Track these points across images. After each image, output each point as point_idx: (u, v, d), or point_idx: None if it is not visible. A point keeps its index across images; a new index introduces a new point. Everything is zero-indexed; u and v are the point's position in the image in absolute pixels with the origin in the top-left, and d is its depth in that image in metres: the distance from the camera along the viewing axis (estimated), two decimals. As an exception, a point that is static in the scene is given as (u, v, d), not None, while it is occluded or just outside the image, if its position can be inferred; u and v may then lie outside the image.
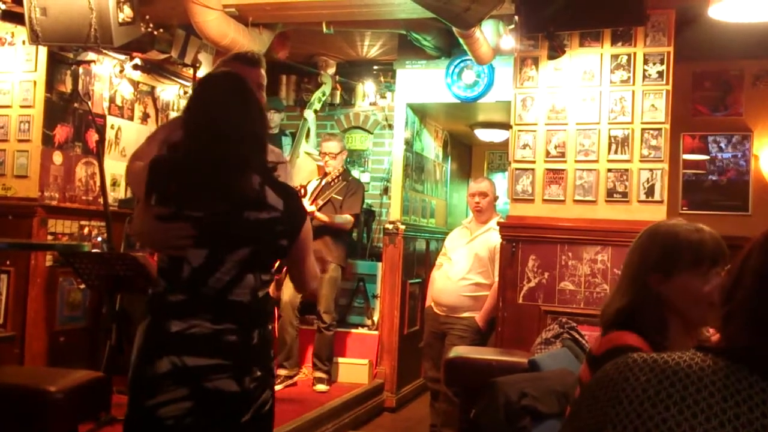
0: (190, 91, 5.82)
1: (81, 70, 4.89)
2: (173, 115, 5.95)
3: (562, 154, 4.18)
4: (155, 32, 4.64)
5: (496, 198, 4.71)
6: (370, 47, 6.12)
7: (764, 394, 1.01)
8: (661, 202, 4.01)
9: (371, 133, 6.94)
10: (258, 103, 2.13)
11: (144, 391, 2.00)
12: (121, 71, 5.29)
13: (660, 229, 1.91)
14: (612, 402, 1.09)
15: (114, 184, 5.34)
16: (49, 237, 4.65)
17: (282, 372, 5.16)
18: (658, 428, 1.03)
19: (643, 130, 4.06)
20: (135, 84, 5.51)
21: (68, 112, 4.85)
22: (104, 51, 4.85)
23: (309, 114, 6.25)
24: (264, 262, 2.10)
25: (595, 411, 1.12)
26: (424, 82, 5.82)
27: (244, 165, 2.02)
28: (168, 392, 1.96)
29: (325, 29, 4.74)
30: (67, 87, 4.83)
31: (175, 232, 2.00)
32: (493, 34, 4.75)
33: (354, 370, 5.61)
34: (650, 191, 4.02)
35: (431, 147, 6.83)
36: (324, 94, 6.37)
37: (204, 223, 2.00)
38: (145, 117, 5.66)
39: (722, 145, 4.75)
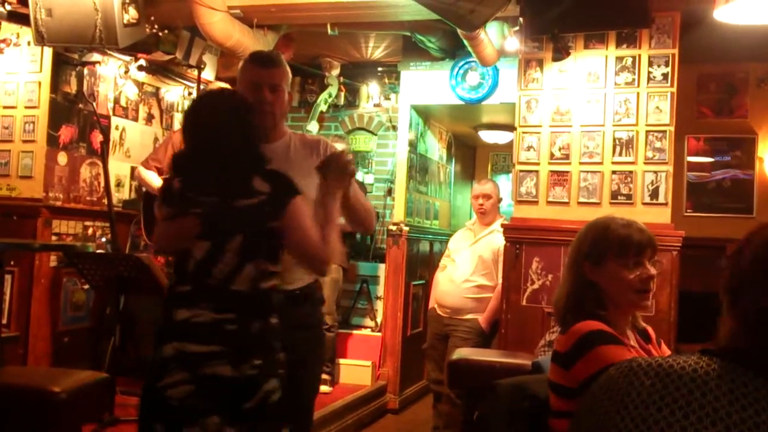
0: (194, 93, 5.84)
1: (86, 71, 4.90)
2: (178, 116, 5.96)
3: (567, 156, 4.18)
4: (160, 33, 4.65)
5: (499, 200, 4.71)
6: (375, 49, 6.12)
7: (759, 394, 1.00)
8: (666, 204, 4.00)
9: (375, 135, 6.94)
10: (242, 110, 2.27)
11: (154, 373, 2.15)
12: (126, 72, 5.30)
13: (594, 222, 2.12)
14: (617, 407, 1.08)
15: (118, 184, 5.35)
16: (54, 237, 4.66)
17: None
18: None
19: (647, 132, 4.05)
20: (140, 85, 5.52)
21: (73, 113, 4.86)
22: (109, 52, 4.86)
23: (313, 125, 6.27)
24: (260, 249, 2.19)
25: (599, 416, 1.11)
26: (428, 83, 5.82)
27: (231, 161, 2.21)
28: (172, 375, 2.11)
29: (329, 31, 4.74)
30: (72, 88, 4.84)
31: (178, 229, 2.22)
32: (498, 36, 4.74)
33: (357, 372, 5.61)
34: (655, 193, 4.01)
35: (435, 148, 6.83)
36: (330, 96, 6.37)
37: (203, 217, 2.18)
38: (149, 118, 5.67)
39: (727, 147, 4.74)
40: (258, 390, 2.14)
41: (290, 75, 2.62)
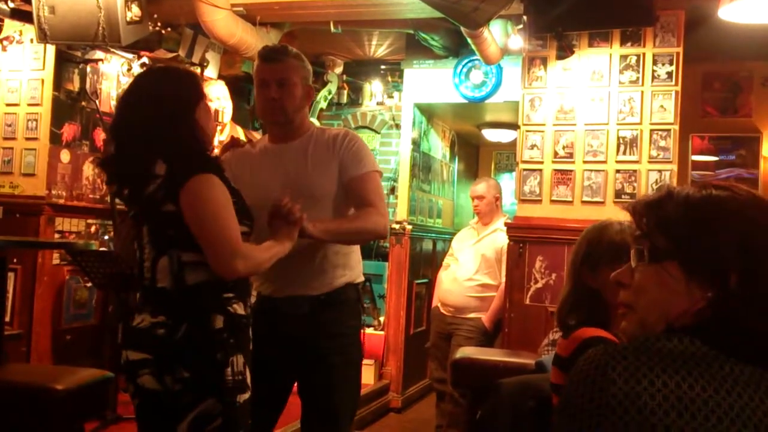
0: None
1: (89, 68, 4.89)
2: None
3: (570, 155, 4.17)
4: (163, 31, 4.64)
5: (496, 198, 4.67)
6: (378, 47, 6.11)
7: (723, 372, 0.98)
8: (670, 203, 3.98)
9: (378, 133, 6.93)
10: (175, 84, 2.05)
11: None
12: (129, 70, 5.30)
13: (591, 227, 2.11)
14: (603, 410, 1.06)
15: (121, 182, 5.34)
16: (56, 235, 4.66)
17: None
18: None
19: (651, 131, 4.03)
20: (142, 83, 5.51)
21: (76, 111, 4.86)
22: (112, 50, 4.86)
23: (314, 121, 6.26)
24: (167, 238, 1.97)
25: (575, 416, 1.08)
26: (431, 81, 5.80)
27: (141, 144, 1.97)
28: (128, 387, 2.02)
29: (332, 28, 4.73)
30: (75, 85, 4.84)
31: (123, 231, 2.19)
32: (502, 34, 4.73)
33: (360, 370, 5.60)
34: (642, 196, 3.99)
35: (438, 147, 6.81)
36: (330, 93, 6.36)
37: (131, 217, 2.08)
38: (152, 116, 5.66)
39: (731, 146, 4.73)
40: (187, 411, 1.89)
41: (306, 68, 2.49)
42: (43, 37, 4.04)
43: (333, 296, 2.40)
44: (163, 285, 1.96)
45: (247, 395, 1.99)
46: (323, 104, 6.36)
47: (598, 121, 4.12)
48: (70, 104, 4.80)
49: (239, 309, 2.01)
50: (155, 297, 1.98)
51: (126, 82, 5.32)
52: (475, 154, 8.25)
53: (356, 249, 2.54)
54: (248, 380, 2.01)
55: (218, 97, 4.59)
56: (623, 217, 2.15)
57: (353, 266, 2.49)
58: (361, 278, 2.53)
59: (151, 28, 4.35)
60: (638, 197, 1.07)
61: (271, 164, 2.46)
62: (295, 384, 2.53)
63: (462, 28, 4.26)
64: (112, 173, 2.07)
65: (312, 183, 2.39)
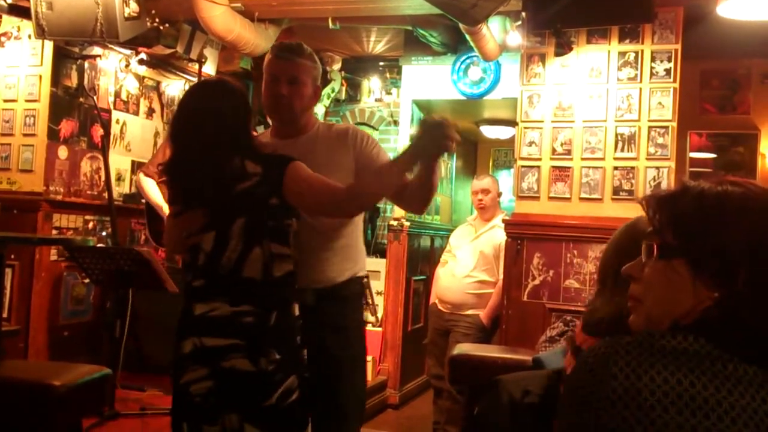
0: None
1: (86, 64, 4.89)
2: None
3: (569, 152, 4.17)
4: (161, 27, 4.64)
5: (499, 194, 4.69)
6: (376, 43, 6.10)
7: (726, 371, 0.98)
8: (668, 200, 3.98)
9: (376, 129, 6.93)
10: (233, 96, 2.26)
11: (176, 370, 2.16)
12: (127, 66, 5.29)
13: (637, 223, 1.99)
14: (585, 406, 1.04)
15: (119, 178, 5.34)
16: (54, 231, 4.66)
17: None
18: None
19: (650, 127, 4.03)
20: (140, 79, 5.51)
21: (73, 107, 4.85)
22: (110, 46, 4.85)
23: (319, 108, 6.25)
24: (264, 230, 2.15)
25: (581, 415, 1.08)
26: (430, 78, 5.80)
27: (222, 149, 2.18)
28: (192, 371, 2.12)
29: (330, 25, 4.73)
30: (73, 81, 4.83)
31: (185, 225, 2.23)
32: (500, 31, 4.73)
33: (358, 367, 5.60)
34: (657, 189, 4.00)
35: (436, 144, 6.80)
36: (333, 90, 6.36)
37: (205, 208, 2.19)
38: (150, 112, 5.66)
39: (729, 143, 4.73)
40: (277, 387, 2.09)
41: (318, 69, 2.50)
42: (41, 33, 4.04)
43: (338, 289, 2.41)
44: (251, 275, 2.13)
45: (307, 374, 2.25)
46: (326, 102, 6.36)
47: (597, 118, 4.12)
48: (67, 100, 4.80)
49: (295, 310, 2.23)
50: (238, 287, 2.14)
51: (123, 77, 5.32)
52: (473, 151, 8.25)
53: (360, 242, 2.53)
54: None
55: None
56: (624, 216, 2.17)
57: (357, 259, 2.49)
58: (365, 272, 2.52)
59: (148, 24, 4.34)
60: (653, 191, 1.06)
61: None
62: None
63: (460, 25, 4.26)
64: (184, 175, 2.24)
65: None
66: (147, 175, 4.61)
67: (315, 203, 2.21)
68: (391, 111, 6.78)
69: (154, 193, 4.48)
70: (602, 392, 0.97)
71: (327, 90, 6.31)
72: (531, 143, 4.24)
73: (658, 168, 4.00)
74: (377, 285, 6.00)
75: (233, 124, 2.21)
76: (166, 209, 4.39)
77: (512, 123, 5.12)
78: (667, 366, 0.98)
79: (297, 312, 2.19)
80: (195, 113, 2.24)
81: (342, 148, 2.44)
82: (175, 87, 5.91)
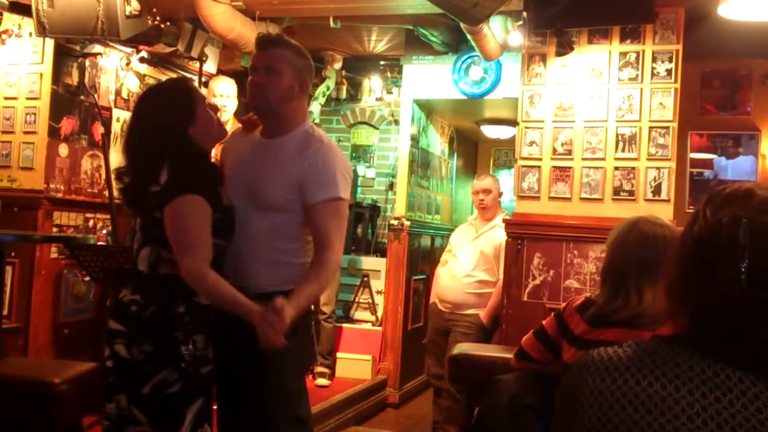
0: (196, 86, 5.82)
1: (87, 62, 4.88)
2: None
3: (569, 152, 4.17)
4: (162, 25, 4.64)
5: (500, 194, 4.69)
6: (377, 42, 6.11)
7: (717, 378, 1.00)
8: (668, 200, 3.99)
9: (377, 129, 6.93)
10: (168, 99, 2.36)
11: None
12: (128, 64, 5.29)
13: (638, 222, 2.22)
14: (574, 406, 1.09)
15: (119, 177, 5.34)
16: (54, 229, 4.66)
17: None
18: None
19: (650, 128, 4.03)
20: (141, 77, 5.51)
21: (74, 105, 4.85)
22: (111, 44, 4.85)
23: (315, 106, 6.24)
24: (152, 235, 2.27)
25: (563, 417, 1.12)
26: (430, 77, 5.80)
27: (141, 145, 2.33)
28: (105, 350, 2.29)
29: (332, 24, 4.73)
30: (74, 79, 4.83)
31: None
32: (501, 30, 4.73)
33: (357, 366, 5.61)
34: (657, 190, 4.00)
35: (437, 143, 6.81)
36: (328, 89, 6.36)
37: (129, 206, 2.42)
38: (151, 110, 5.65)
39: (730, 144, 4.73)
40: (146, 378, 2.19)
41: (302, 61, 2.42)
42: (42, 30, 4.03)
43: (266, 297, 2.27)
44: (141, 268, 2.28)
45: (210, 367, 2.29)
46: (321, 100, 6.36)
47: (597, 118, 4.12)
48: (68, 98, 4.79)
49: (204, 300, 2.27)
50: (135, 277, 2.29)
51: (124, 76, 5.32)
52: (473, 151, 8.25)
53: (298, 259, 2.41)
54: (210, 355, 2.29)
55: (221, 94, 4.58)
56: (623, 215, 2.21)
57: (288, 277, 2.36)
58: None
59: (150, 22, 4.34)
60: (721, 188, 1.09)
61: (249, 159, 2.41)
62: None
63: (462, 24, 4.26)
64: (124, 178, 2.38)
65: (265, 191, 2.34)
66: None
67: (171, 243, 2.24)
68: (391, 110, 6.79)
69: None
70: (577, 396, 1.09)
71: (322, 88, 6.30)
72: (532, 143, 4.24)
73: (658, 168, 4.00)
74: (377, 284, 6.00)
75: (160, 125, 2.30)
76: None
77: (513, 123, 5.12)
78: (629, 369, 1.06)
79: (182, 310, 2.24)
80: (132, 116, 2.48)
81: (292, 165, 2.32)
82: (176, 85, 5.91)
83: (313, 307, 2.38)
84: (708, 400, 0.99)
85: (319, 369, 5.25)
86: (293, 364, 2.35)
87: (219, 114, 4.34)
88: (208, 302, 2.26)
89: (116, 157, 5.21)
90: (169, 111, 2.31)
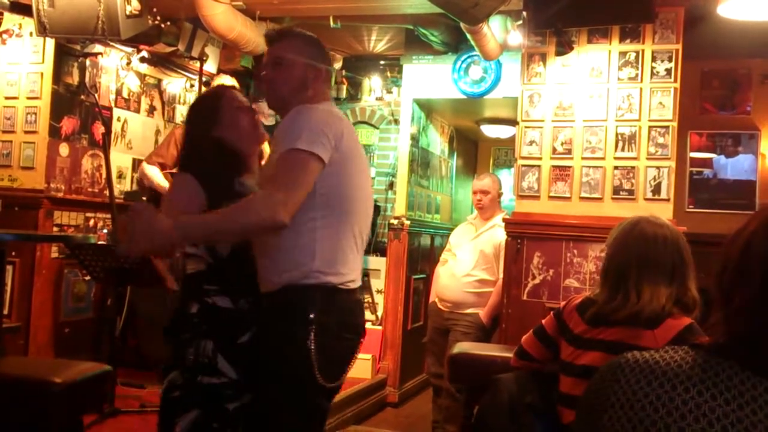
0: (196, 86, 5.83)
1: (88, 62, 4.89)
2: (179, 108, 5.95)
3: (569, 151, 4.17)
4: (162, 25, 4.64)
5: (499, 194, 4.69)
6: (377, 42, 6.11)
7: (755, 391, 0.99)
8: (668, 200, 3.99)
9: (377, 128, 6.93)
10: (198, 103, 2.55)
11: None
12: (128, 64, 5.30)
13: (638, 221, 2.30)
14: (604, 406, 1.08)
15: (120, 176, 5.35)
16: (55, 228, 4.67)
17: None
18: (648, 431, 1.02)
19: (650, 127, 4.04)
20: (142, 77, 5.52)
21: (75, 104, 4.86)
22: (111, 43, 4.86)
23: None
24: None
25: (590, 416, 1.11)
26: (430, 77, 5.80)
27: (189, 152, 2.44)
28: None
29: (332, 23, 4.73)
30: (74, 79, 4.84)
31: None
32: (501, 30, 4.73)
33: (357, 365, 5.54)
34: (657, 189, 4.00)
35: (437, 142, 6.82)
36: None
37: None
38: (151, 110, 5.66)
39: (729, 143, 4.73)
40: (164, 376, 2.23)
41: (310, 48, 2.24)
42: (43, 30, 4.04)
43: (271, 298, 2.11)
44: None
45: (215, 379, 2.12)
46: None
47: (597, 118, 4.12)
48: (69, 98, 4.80)
49: (220, 302, 2.18)
50: None
51: (125, 75, 5.32)
52: (473, 150, 8.25)
53: (305, 239, 2.05)
54: (220, 366, 2.13)
55: (219, 91, 4.59)
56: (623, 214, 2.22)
57: (298, 262, 2.06)
58: (317, 277, 2.04)
59: (150, 22, 4.34)
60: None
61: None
62: None
63: (461, 24, 4.26)
64: None
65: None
66: (150, 163, 4.59)
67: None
68: (391, 110, 6.78)
69: (159, 177, 4.47)
70: (607, 396, 1.08)
71: None
72: (531, 142, 4.25)
73: (658, 168, 4.01)
74: (377, 283, 6.00)
75: (190, 128, 2.46)
76: None
77: (513, 122, 5.12)
78: (674, 377, 1.04)
79: (194, 310, 2.18)
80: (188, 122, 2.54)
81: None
82: (176, 85, 5.92)
83: (313, 315, 2.00)
84: (744, 412, 0.97)
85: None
86: (286, 388, 2.04)
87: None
88: (224, 305, 2.16)
89: (116, 157, 5.23)
90: (197, 115, 2.44)
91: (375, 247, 6.48)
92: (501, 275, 4.35)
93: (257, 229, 1.97)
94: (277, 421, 2.05)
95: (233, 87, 2.78)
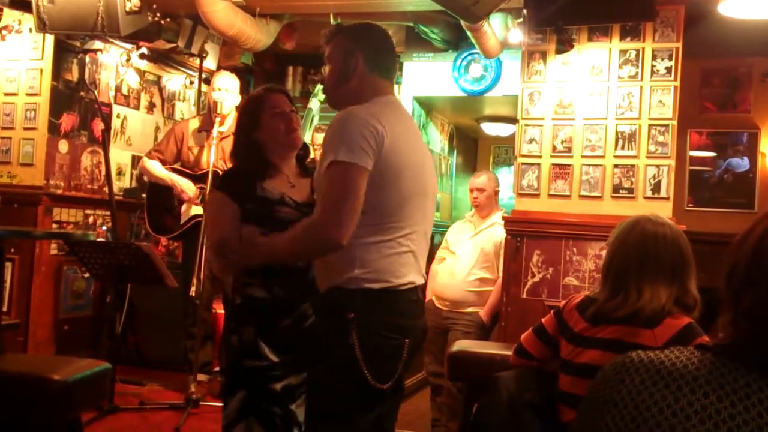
0: (195, 83, 5.82)
1: (87, 58, 4.89)
2: (179, 104, 5.94)
3: (569, 149, 4.17)
4: (162, 22, 4.63)
5: (496, 192, 4.65)
6: (377, 39, 6.09)
7: (762, 393, 0.98)
8: (668, 198, 3.99)
9: (377, 126, 6.93)
10: (243, 113, 2.70)
11: None
12: (128, 60, 5.29)
13: (639, 221, 2.28)
14: (608, 404, 1.07)
15: (119, 173, 5.34)
16: (54, 225, 4.66)
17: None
18: None
19: (650, 126, 4.03)
20: (141, 73, 5.51)
21: (74, 101, 4.85)
22: (111, 40, 4.85)
23: (314, 103, 6.24)
24: None
25: (593, 414, 1.10)
26: (431, 75, 5.80)
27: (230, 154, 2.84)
28: None
29: (332, 20, 4.72)
30: (74, 75, 4.83)
31: None
32: (501, 28, 4.72)
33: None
34: (656, 187, 4.00)
35: (437, 140, 6.81)
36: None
37: None
38: (151, 106, 5.66)
39: (729, 141, 4.73)
40: (220, 362, 2.84)
41: (350, 41, 2.22)
42: (42, 26, 4.04)
43: (319, 301, 2.22)
44: None
45: (258, 362, 2.38)
46: (321, 97, 6.34)
47: (597, 116, 4.12)
48: (68, 94, 4.80)
49: (256, 292, 2.44)
50: None
51: (124, 72, 5.31)
52: (473, 148, 8.25)
53: (356, 245, 2.10)
54: (264, 351, 2.39)
55: (220, 87, 4.58)
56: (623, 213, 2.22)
57: (341, 267, 2.11)
58: (359, 283, 2.11)
59: (150, 18, 4.34)
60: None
61: None
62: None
63: (462, 22, 4.26)
64: None
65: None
66: (150, 158, 4.57)
67: None
68: (391, 107, 6.78)
69: (159, 168, 4.46)
70: (610, 396, 1.07)
71: (320, 85, 6.29)
72: (531, 140, 4.24)
73: (658, 166, 4.01)
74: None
75: (236, 133, 2.70)
76: (175, 180, 4.39)
77: (513, 120, 5.12)
78: (680, 378, 1.04)
79: (238, 301, 2.48)
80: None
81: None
82: (176, 82, 5.91)
83: (353, 315, 2.06)
84: (751, 414, 0.97)
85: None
86: (325, 369, 2.13)
87: (218, 109, 4.34)
88: (259, 294, 2.44)
89: (116, 154, 5.22)
90: (240, 118, 2.69)
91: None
92: (501, 273, 4.34)
93: (318, 254, 2.17)
94: (327, 411, 2.13)
95: (280, 90, 2.71)
